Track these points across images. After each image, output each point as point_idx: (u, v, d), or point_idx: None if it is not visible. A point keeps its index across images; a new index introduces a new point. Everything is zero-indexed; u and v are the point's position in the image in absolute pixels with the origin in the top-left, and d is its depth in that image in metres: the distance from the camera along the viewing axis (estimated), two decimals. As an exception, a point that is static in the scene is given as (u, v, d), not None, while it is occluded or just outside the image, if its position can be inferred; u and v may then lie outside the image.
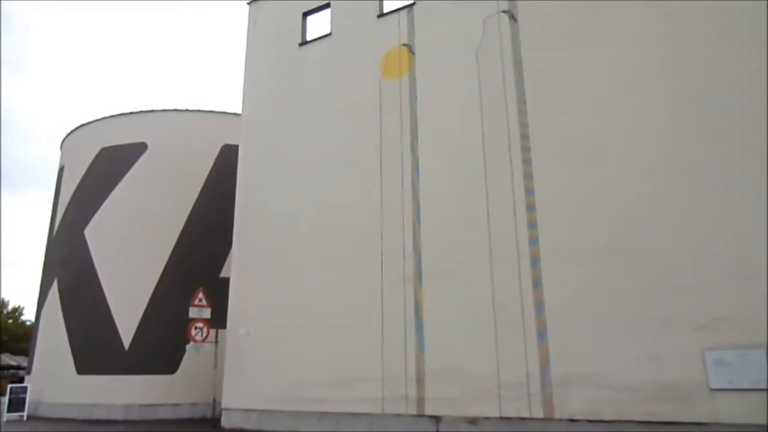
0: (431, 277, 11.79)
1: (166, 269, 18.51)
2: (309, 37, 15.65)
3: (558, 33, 11.64)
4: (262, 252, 14.47)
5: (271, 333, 13.61)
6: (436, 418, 10.99)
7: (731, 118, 9.55)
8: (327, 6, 15.52)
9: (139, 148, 20.01)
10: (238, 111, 17.34)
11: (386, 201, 12.79)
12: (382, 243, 12.57)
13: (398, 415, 11.35)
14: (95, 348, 18.11)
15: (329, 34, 15.16)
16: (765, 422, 8.07)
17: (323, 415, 12.25)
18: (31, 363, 20.93)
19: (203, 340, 14.17)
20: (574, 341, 9.95)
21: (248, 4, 17.30)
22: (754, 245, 8.87)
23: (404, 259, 12.22)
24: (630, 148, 10.34)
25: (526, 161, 11.31)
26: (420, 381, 11.31)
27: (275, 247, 14.25)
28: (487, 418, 10.43)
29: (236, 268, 14.90)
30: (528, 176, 11.19)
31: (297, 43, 15.69)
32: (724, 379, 8.47)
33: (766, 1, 9.61)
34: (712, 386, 8.59)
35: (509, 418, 10.21)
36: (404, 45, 13.66)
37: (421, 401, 11.20)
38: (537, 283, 10.59)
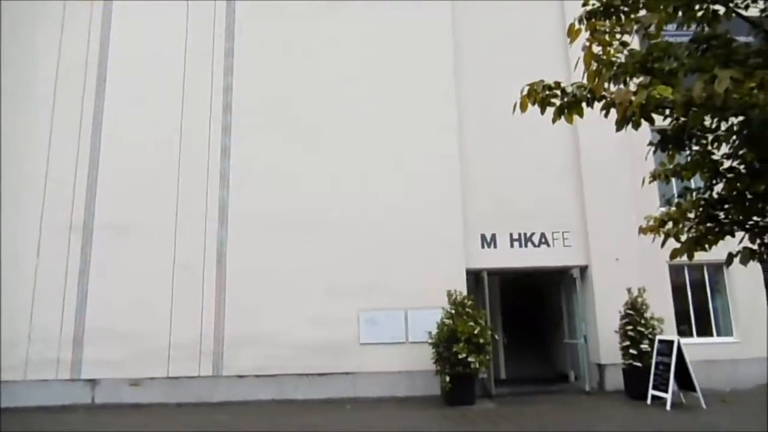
0: (104, 229, 10.68)
1: None
2: None
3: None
4: None
5: None
6: (93, 382, 10.07)
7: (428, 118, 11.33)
8: None
9: None
10: None
11: (60, 136, 10.98)
12: (46, 186, 10.76)
13: (46, 380, 9.97)
14: None
15: None
16: (402, 369, 9.98)
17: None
18: None
19: None
20: (248, 304, 10.38)
21: None
22: (391, 229, 10.66)
23: (73, 208, 10.72)
24: (333, 130, 11.13)
25: (226, 125, 11.22)
26: (77, 342, 10.16)
27: None
28: (152, 379, 10.08)
29: None
30: (226, 139, 11.13)
31: None
32: (372, 335, 10.22)
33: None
34: (362, 341, 10.25)
35: (177, 378, 10.10)
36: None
37: (76, 365, 10.08)
38: (222, 249, 10.69)
